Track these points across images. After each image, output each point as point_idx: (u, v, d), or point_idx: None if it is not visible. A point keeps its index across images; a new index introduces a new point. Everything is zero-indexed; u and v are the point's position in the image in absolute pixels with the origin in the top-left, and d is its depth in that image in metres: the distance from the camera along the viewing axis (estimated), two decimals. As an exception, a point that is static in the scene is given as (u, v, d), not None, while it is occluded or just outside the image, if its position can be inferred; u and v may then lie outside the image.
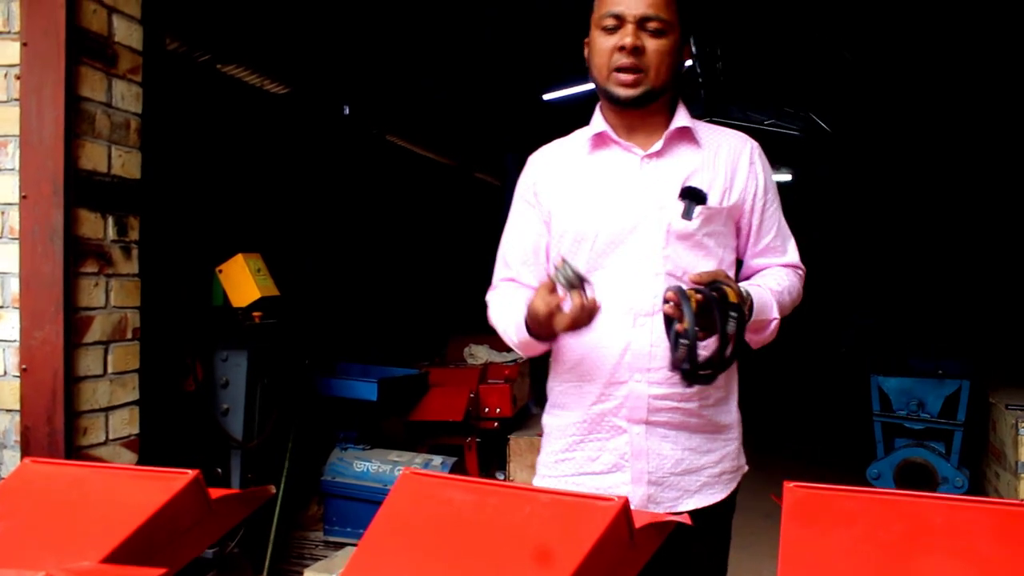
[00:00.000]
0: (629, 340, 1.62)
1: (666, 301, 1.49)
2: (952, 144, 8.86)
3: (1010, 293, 6.24)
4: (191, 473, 1.31)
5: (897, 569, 1.16)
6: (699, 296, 1.46)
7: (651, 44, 1.61)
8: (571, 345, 1.68)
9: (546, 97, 7.42)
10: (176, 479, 1.31)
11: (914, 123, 8.87)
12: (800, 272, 1.82)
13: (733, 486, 1.75)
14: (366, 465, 3.52)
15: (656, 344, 1.60)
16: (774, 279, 1.74)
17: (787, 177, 11.85)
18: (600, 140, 1.72)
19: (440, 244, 6.89)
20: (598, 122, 1.72)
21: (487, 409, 3.96)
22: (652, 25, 1.61)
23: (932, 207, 9.77)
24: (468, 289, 7.15)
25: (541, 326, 1.55)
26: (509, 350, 4.49)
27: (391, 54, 5.21)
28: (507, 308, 1.72)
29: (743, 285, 1.61)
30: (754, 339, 1.69)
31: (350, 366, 3.87)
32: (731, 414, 1.74)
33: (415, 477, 1.32)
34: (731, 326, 1.48)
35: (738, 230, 1.74)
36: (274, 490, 1.66)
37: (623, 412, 1.64)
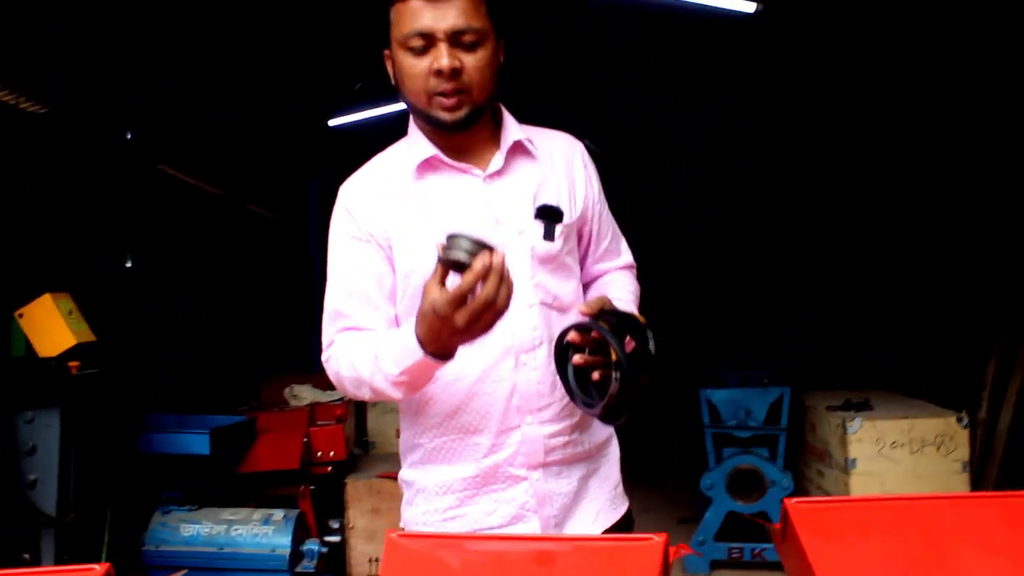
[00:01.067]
0: (515, 381, 1.46)
1: (561, 339, 1.36)
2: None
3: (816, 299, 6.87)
4: (99, 569, 1.04)
5: (936, 569, 1.19)
6: (606, 324, 1.33)
7: (469, 60, 1.43)
8: (444, 394, 1.48)
9: (332, 123, 7.19)
10: None
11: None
12: (634, 271, 1.75)
13: (625, 500, 1.65)
14: (195, 528, 3.14)
15: (542, 381, 1.47)
16: (623, 288, 1.65)
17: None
18: (428, 164, 1.51)
19: (234, 283, 6.38)
20: (422, 144, 1.51)
21: (319, 453, 3.68)
22: (467, 38, 1.42)
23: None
24: (278, 329, 6.71)
25: (443, 330, 1.26)
26: (334, 388, 4.24)
27: (179, 77, 4.76)
28: (368, 345, 1.44)
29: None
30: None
31: (160, 417, 3.44)
32: (605, 430, 1.61)
33: (403, 542, 1.14)
34: (651, 344, 1.38)
35: (580, 239, 1.63)
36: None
37: (519, 459, 1.49)
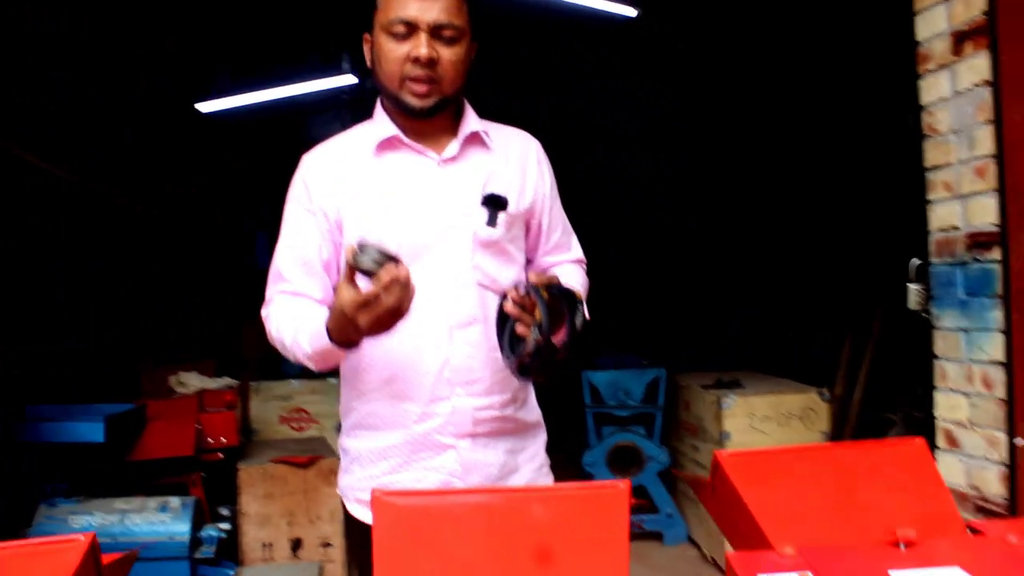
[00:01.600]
0: (447, 355, 1.57)
1: (504, 297, 1.47)
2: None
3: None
4: (84, 539, 1.08)
5: (849, 501, 1.37)
6: (546, 294, 1.45)
7: (445, 53, 1.55)
8: (381, 362, 1.58)
9: (202, 108, 6.93)
10: (68, 549, 1.06)
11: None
12: (584, 266, 1.85)
13: (551, 476, 1.76)
14: (87, 519, 3.03)
15: (473, 356, 1.58)
16: (571, 276, 1.74)
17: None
18: (389, 143, 1.62)
19: (107, 273, 6.05)
20: (386, 124, 1.62)
21: (211, 440, 3.61)
22: (446, 33, 1.55)
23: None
24: (156, 318, 6.38)
25: (348, 327, 1.38)
26: (220, 376, 4.16)
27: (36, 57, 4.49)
28: (293, 318, 1.55)
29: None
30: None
31: (42, 408, 3.28)
32: (535, 411, 1.75)
33: (390, 500, 1.21)
34: (579, 320, 1.52)
35: (527, 230, 1.73)
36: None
37: (449, 429, 1.59)
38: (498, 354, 1.54)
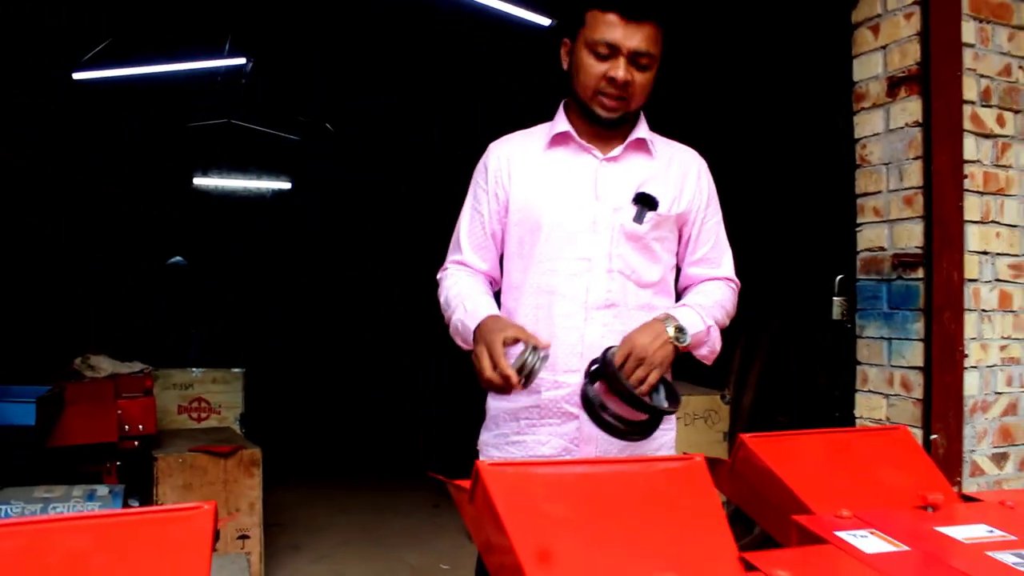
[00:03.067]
0: (583, 332, 1.73)
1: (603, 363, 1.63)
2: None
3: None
4: (207, 508, 1.11)
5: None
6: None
7: (639, 78, 1.72)
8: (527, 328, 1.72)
9: (78, 77, 6.58)
10: (199, 515, 1.09)
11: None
12: (732, 286, 1.93)
13: None
14: (4, 509, 2.85)
15: (606, 336, 1.73)
16: (706, 295, 1.85)
17: (287, 185, 12.08)
18: (561, 139, 1.80)
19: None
20: (562, 122, 1.81)
21: (127, 427, 3.47)
22: (643, 60, 1.71)
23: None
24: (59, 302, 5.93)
25: (478, 358, 1.61)
26: (132, 360, 3.99)
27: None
28: (463, 299, 1.78)
29: (671, 311, 1.75)
30: (702, 354, 1.82)
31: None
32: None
33: (497, 470, 1.29)
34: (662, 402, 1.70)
35: (680, 237, 1.87)
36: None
37: (575, 399, 1.72)
38: None
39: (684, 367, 1.87)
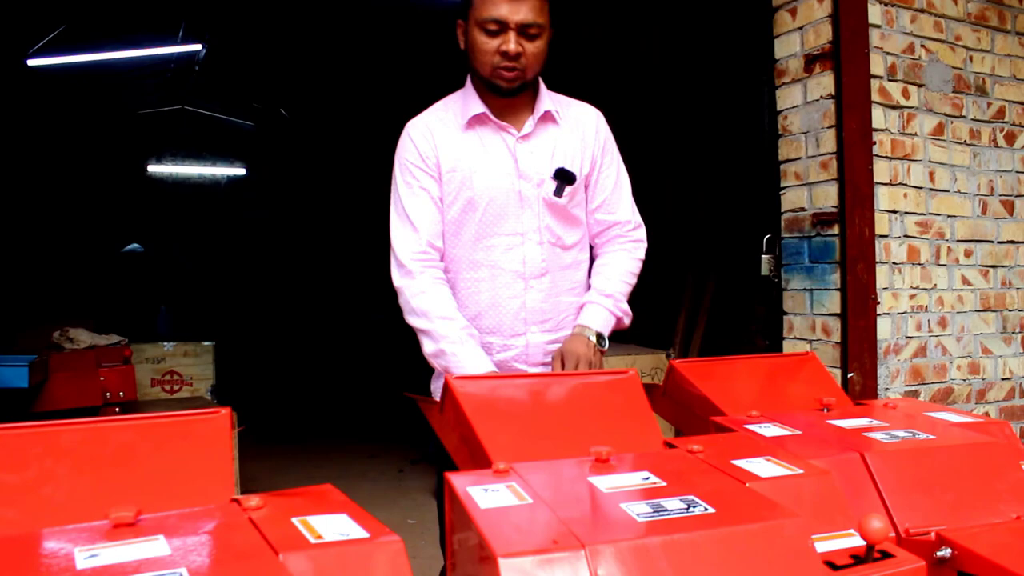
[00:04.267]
0: (524, 299, 1.94)
1: None
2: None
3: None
4: (224, 412, 1.33)
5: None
6: None
7: (529, 47, 1.85)
8: (471, 302, 1.94)
9: (33, 63, 6.64)
10: (217, 418, 1.31)
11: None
12: (633, 233, 2.08)
13: None
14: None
15: (545, 300, 1.95)
16: (607, 277, 2.02)
17: (241, 171, 12.14)
18: (477, 120, 1.93)
19: None
20: (476, 102, 1.93)
21: (108, 394, 3.65)
22: (531, 31, 1.84)
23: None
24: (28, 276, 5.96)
25: None
26: (110, 332, 4.15)
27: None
28: (462, 339, 1.84)
29: (588, 321, 1.96)
30: (622, 327, 2.05)
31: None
32: None
33: (465, 382, 1.55)
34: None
35: (585, 189, 2.02)
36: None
37: (523, 358, 1.96)
38: (563, 298, 1.97)
39: (631, 330, 2.14)
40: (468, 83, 1.98)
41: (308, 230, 11.56)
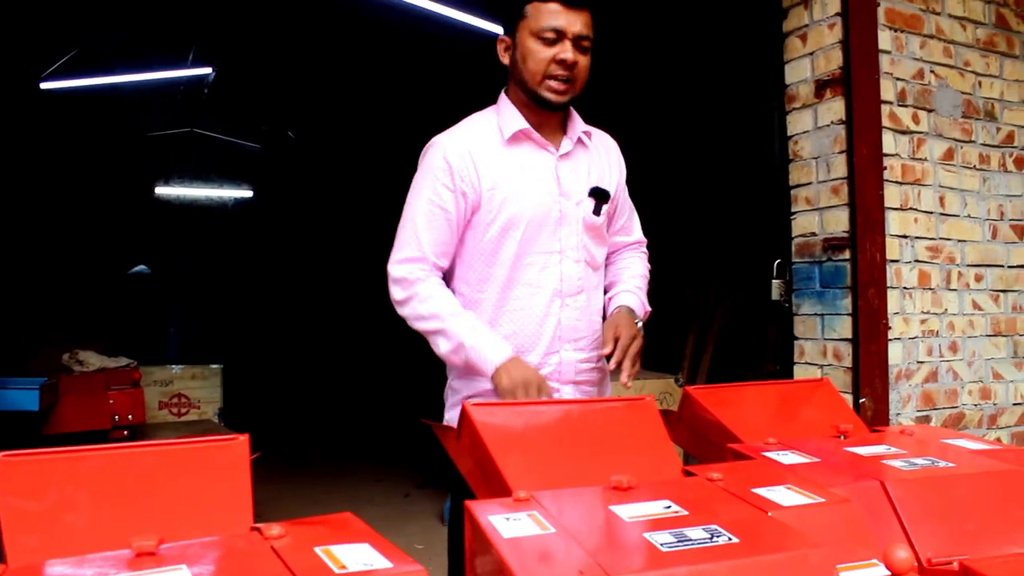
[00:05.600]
0: (559, 317, 1.93)
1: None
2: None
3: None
4: (242, 439, 1.33)
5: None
6: None
7: (582, 60, 1.87)
8: (506, 319, 1.92)
9: (45, 86, 6.71)
10: (236, 444, 1.31)
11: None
12: (644, 250, 2.20)
13: None
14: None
15: (580, 319, 1.96)
16: (634, 275, 2.12)
17: (248, 193, 12.18)
18: (520, 136, 1.92)
19: None
20: (516, 118, 1.92)
21: (117, 416, 3.65)
22: (584, 43, 1.86)
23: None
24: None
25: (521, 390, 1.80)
26: (119, 355, 4.17)
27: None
28: (472, 327, 1.85)
29: (629, 302, 2.03)
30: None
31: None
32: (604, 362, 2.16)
33: (482, 410, 1.55)
34: None
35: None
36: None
37: (556, 375, 1.94)
38: (596, 317, 1.98)
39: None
40: (503, 100, 1.97)
41: (315, 250, 11.59)
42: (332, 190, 11.50)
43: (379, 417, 7.89)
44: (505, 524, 1.09)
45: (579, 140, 2.01)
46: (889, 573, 1.06)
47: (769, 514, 1.15)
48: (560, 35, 1.85)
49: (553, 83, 1.88)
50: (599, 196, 1.98)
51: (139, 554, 0.98)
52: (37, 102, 6.94)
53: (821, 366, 2.97)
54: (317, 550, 1.02)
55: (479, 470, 1.51)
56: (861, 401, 2.80)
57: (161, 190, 11.48)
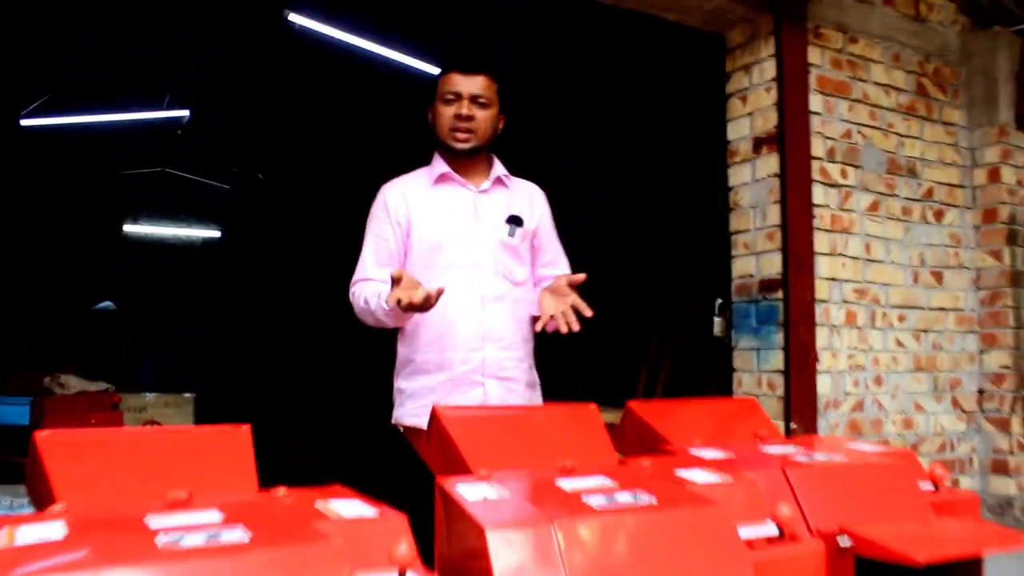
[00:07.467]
0: (482, 319, 2.26)
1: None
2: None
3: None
4: (245, 428, 1.57)
5: (723, 421, 2.08)
6: None
7: (479, 113, 2.28)
8: (435, 323, 2.24)
9: (26, 123, 6.90)
10: (239, 432, 1.55)
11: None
12: None
13: None
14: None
15: (501, 321, 2.28)
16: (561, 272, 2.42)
17: (216, 233, 12.34)
18: (443, 178, 2.34)
19: None
20: (441, 165, 2.35)
21: (97, 439, 3.80)
22: (480, 100, 2.28)
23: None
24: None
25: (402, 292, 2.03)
26: (98, 380, 4.33)
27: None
28: (374, 292, 2.21)
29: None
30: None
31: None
32: (535, 375, 2.45)
33: (448, 409, 1.81)
34: None
35: (532, 247, 2.42)
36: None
37: (480, 370, 2.25)
38: (521, 325, 2.28)
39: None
40: (435, 156, 2.39)
41: (282, 285, 11.75)
42: (299, 230, 11.70)
43: (349, 446, 8.02)
44: (469, 490, 1.34)
45: (499, 180, 2.39)
46: (777, 529, 1.33)
47: (686, 487, 1.41)
48: (457, 96, 2.28)
49: (457, 134, 2.29)
50: (514, 221, 2.35)
51: (175, 503, 1.22)
52: (16, 139, 7.11)
53: (757, 395, 3.25)
54: (317, 504, 1.27)
55: (444, 461, 1.76)
56: (792, 427, 3.09)
57: (129, 227, 11.61)
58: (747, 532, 1.34)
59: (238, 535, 1.04)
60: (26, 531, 1.06)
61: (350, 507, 1.27)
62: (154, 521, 1.12)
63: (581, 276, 2.19)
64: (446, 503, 1.36)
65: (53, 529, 1.08)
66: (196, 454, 1.45)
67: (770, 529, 1.37)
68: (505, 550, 1.13)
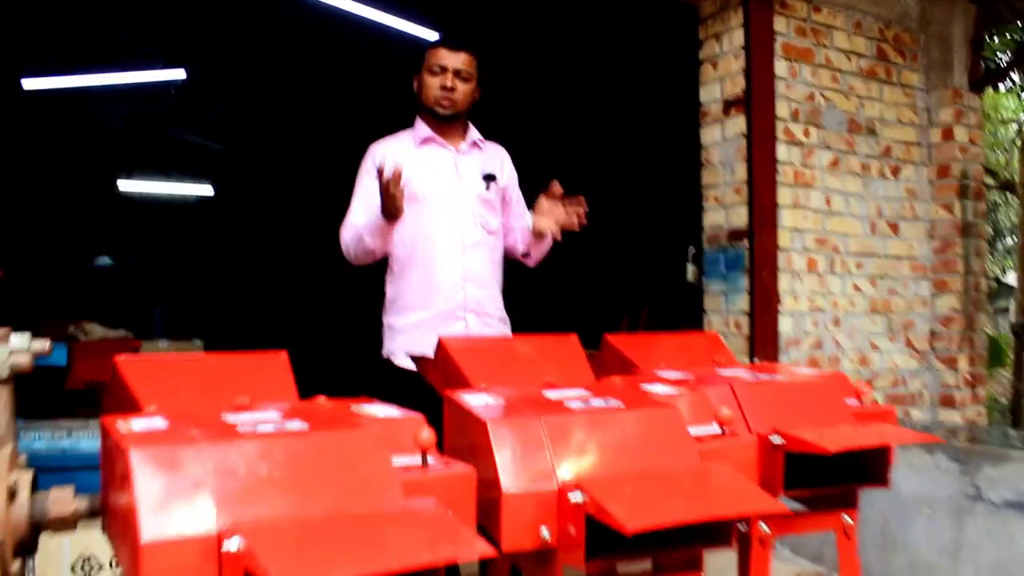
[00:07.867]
0: (463, 261, 2.58)
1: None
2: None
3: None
4: (283, 355, 1.90)
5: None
6: None
7: (461, 86, 2.61)
8: (420, 264, 2.57)
9: (28, 85, 7.08)
10: (278, 357, 1.88)
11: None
12: None
13: None
14: (36, 434, 3.48)
15: (480, 264, 2.61)
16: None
17: (209, 191, 12.54)
18: (427, 140, 2.65)
19: None
20: (425, 129, 2.65)
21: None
22: (463, 74, 2.61)
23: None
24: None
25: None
26: (118, 327, 4.63)
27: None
28: (359, 222, 2.54)
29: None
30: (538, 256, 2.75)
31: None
32: (504, 310, 2.75)
33: (452, 339, 2.14)
34: None
35: (503, 201, 2.74)
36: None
37: (462, 305, 2.57)
38: (493, 267, 2.60)
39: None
40: (417, 120, 2.70)
41: (276, 242, 11.98)
42: (291, 186, 11.91)
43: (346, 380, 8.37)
44: (471, 397, 1.67)
45: (474, 144, 2.72)
46: (720, 428, 1.67)
47: (648, 396, 1.75)
48: (443, 69, 2.60)
49: (442, 102, 2.61)
50: (489, 178, 2.70)
51: (239, 406, 1.54)
52: (17, 100, 7.29)
53: (725, 334, 3.60)
54: (352, 407, 1.59)
55: (448, 380, 2.09)
56: (755, 360, 3.44)
57: (125, 185, 11.79)
58: (696, 431, 1.68)
59: (298, 425, 1.36)
60: (136, 422, 1.38)
61: (379, 409, 1.60)
62: (229, 417, 1.44)
63: (558, 186, 2.56)
64: (453, 408, 1.69)
65: (155, 422, 1.39)
66: (246, 373, 1.77)
67: (714, 429, 1.71)
68: (503, 438, 1.46)
